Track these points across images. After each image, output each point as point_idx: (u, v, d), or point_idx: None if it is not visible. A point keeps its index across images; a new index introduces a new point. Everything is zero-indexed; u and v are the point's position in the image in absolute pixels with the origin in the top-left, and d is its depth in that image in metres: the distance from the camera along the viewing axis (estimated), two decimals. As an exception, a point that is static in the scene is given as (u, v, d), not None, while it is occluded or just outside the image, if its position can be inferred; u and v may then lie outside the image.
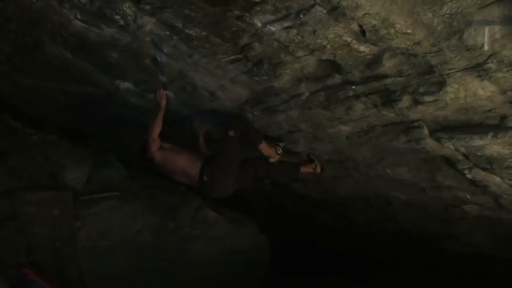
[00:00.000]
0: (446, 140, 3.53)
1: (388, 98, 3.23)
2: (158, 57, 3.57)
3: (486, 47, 2.46)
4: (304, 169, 4.85)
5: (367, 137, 4.04)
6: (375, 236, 7.79)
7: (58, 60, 4.01)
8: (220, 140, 4.31)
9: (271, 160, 4.56)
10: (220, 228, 6.85)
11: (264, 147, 4.39)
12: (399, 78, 2.99)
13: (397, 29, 2.49)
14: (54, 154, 5.82)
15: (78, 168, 5.93)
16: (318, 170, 4.93)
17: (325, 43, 2.80)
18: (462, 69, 2.71)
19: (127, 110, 4.75)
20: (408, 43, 2.61)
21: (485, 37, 2.40)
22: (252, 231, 7.45)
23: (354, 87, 3.25)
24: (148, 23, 3.13)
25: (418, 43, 2.58)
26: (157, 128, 4.09)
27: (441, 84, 2.91)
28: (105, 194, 5.98)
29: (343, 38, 2.71)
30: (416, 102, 3.16)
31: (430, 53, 2.64)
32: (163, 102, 4.11)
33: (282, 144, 4.67)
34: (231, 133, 4.11)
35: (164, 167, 4.25)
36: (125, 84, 4.29)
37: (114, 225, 5.80)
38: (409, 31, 2.50)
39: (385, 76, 3.01)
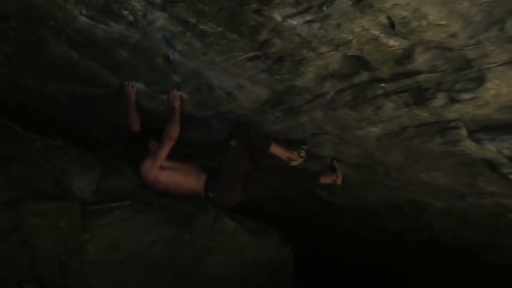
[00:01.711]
0: (487, 142, 3.48)
1: (421, 96, 3.20)
2: (171, 56, 3.59)
3: (531, 38, 2.43)
4: (323, 179, 4.86)
5: (398, 139, 4.02)
6: (407, 246, 7.73)
7: (62, 59, 4.05)
8: (222, 151, 4.35)
9: (294, 164, 4.59)
10: (240, 240, 6.83)
11: (278, 150, 4.46)
12: (433, 75, 2.97)
13: (429, 20, 2.47)
14: (59, 161, 5.85)
15: (86, 176, 5.96)
16: (339, 181, 4.94)
17: (350, 37, 2.79)
18: (504, 63, 2.67)
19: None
20: (442, 36, 2.58)
21: (530, 27, 2.37)
22: (275, 242, 7.43)
23: (383, 85, 3.23)
24: (160, 19, 3.15)
25: (454, 35, 2.55)
26: (175, 131, 4.12)
27: (480, 80, 2.87)
28: (115, 204, 5.99)
29: (371, 31, 2.70)
30: (453, 101, 3.13)
31: (467, 46, 2.61)
32: (178, 104, 4.15)
33: (305, 147, 4.68)
34: (232, 142, 4.18)
35: (167, 187, 4.29)
36: (136, 85, 4.32)
37: (125, 237, 5.80)
38: (443, 22, 2.47)
39: (417, 72, 2.99)
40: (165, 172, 4.18)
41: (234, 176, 4.32)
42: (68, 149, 6.06)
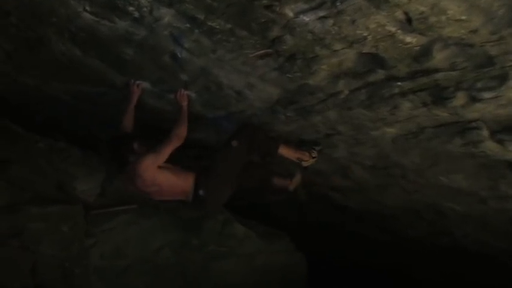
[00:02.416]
0: (510, 143, 3.47)
1: (439, 95, 3.19)
2: (178, 53, 3.59)
3: (558, 33, 2.41)
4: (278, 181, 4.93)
5: (416, 140, 4.00)
6: (425, 252, 7.71)
7: (65, 57, 4.06)
8: (220, 149, 4.38)
9: (305, 164, 4.62)
10: (250, 245, 6.84)
11: (287, 152, 4.51)
12: (452, 73, 2.95)
13: (449, 15, 2.45)
14: (62, 163, 5.86)
15: (90, 179, 5.96)
16: (291, 187, 4.99)
17: (365, 34, 2.78)
18: (529, 60, 2.67)
19: (144, 112, 4.78)
20: (462, 31, 2.56)
21: (557, 21, 2.35)
22: (287, 247, 7.44)
23: (399, 83, 3.22)
24: (166, 15, 3.15)
25: (475, 31, 2.53)
26: (183, 131, 4.13)
27: (503, 78, 2.85)
28: (121, 208, 5.99)
29: (386, 27, 2.69)
30: (473, 100, 3.11)
31: (489, 42, 2.59)
32: (185, 103, 4.17)
33: (317, 148, 4.69)
34: (234, 143, 4.20)
35: (160, 188, 4.21)
36: (142, 84, 4.33)
37: (131, 243, 5.81)
38: (463, 17, 2.45)
39: (436, 70, 2.97)
40: (162, 171, 4.15)
41: (229, 175, 4.36)
42: (72, 151, 6.05)
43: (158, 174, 4.09)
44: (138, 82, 4.27)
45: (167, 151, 4.08)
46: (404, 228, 6.99)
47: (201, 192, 4.25)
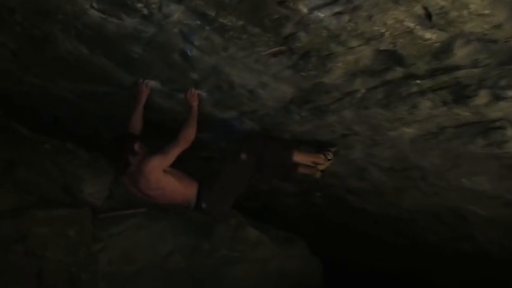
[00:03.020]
0: (537, 144, 3.45)
1: (460, 93, 3.17)
2: (188, 51, 3.59)
3: None
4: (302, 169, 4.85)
5: (436, 141, 3.98)
6: (445, 258, 7.67)
7: (72, 56, 4.07)
8: (227, 159, 4.37)
9: (321, 167, 4.60)
10: (263, 250, 6.83)
11: (301, 158, 4.50)
12: (474, 70, 2.93)
13: (471, 10, 2.43)
14: (69, 165, 5.88)
15: (98, 181, 5.97)
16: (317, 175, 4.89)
17: (383, 30, 2.77)
18: (555, 57, 2.64)
19: (152, 112, 4.78)
20: (485, 27, 2.54)
21: None
22: (301, 252, 7.43)
23: (418, 81, 3.20)
24: (176, 12, 3.15)
25: (498, 26, 2.51)
26: (192, 133, 4.11)
27: (528, 76, 2.84)
28: (130, 211, 6.00)
29: (405, 23, 2.67)
30: (497, 98, 3.09)
31: (513, 37, 2.58)
32: (196, 103, 4.16)
33: (333, 149, 4.67)
34: (243, 156, 4.19)
35: (163, 191, 4.19)
36: (150, 83, 4.33)
37: (140, 247, 5.81)
38: (486, 12, 2.43)
39: (457, 67, 2.95)
40: (167, 175, 4.13)
41: (233, 188, 4.39)
42: (79, 152, 6.08)
43: (163, 177, 4.07)
44: (146, 81, 4.27)
45: (175, 153, 4.06)
46: (424, 233, 6.95)
47: (203, 205, 4.24)
